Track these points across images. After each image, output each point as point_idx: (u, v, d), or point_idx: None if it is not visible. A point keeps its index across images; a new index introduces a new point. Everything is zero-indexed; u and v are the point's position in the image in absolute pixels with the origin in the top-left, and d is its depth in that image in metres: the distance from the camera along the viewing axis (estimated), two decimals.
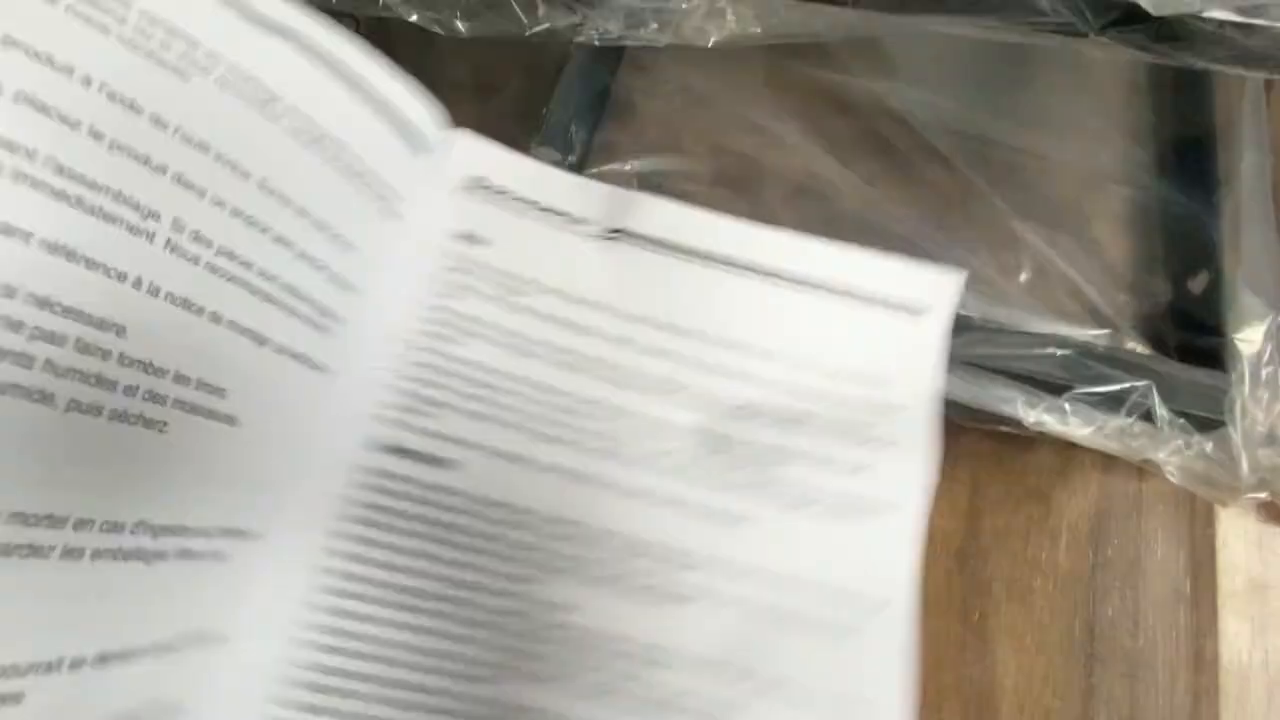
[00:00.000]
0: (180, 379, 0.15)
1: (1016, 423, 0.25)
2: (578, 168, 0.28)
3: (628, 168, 0.29)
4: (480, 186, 0.24)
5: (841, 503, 0.22)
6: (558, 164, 0.28)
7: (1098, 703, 0.24)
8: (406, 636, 0.19)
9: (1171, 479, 0.24)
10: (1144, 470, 0.26)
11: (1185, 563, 0.26)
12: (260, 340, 0.17)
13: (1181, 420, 0.23)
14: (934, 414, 0.23)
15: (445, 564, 0.20)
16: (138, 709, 0.15)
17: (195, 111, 0.15)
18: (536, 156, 0.27)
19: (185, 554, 0.16)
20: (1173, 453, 0.23)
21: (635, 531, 0.21)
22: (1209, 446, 0.22)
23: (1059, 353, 0.24)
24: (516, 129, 0.28)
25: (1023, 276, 0.28)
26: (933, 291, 0.23)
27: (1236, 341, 0.23)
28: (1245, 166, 0.27)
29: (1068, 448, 0.27)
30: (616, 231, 0.24)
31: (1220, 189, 0.27)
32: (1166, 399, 0.23)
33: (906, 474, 0.22)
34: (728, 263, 0.24)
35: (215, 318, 0.16)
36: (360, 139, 0.20)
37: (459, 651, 0.19)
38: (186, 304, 0.15)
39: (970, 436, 0.27)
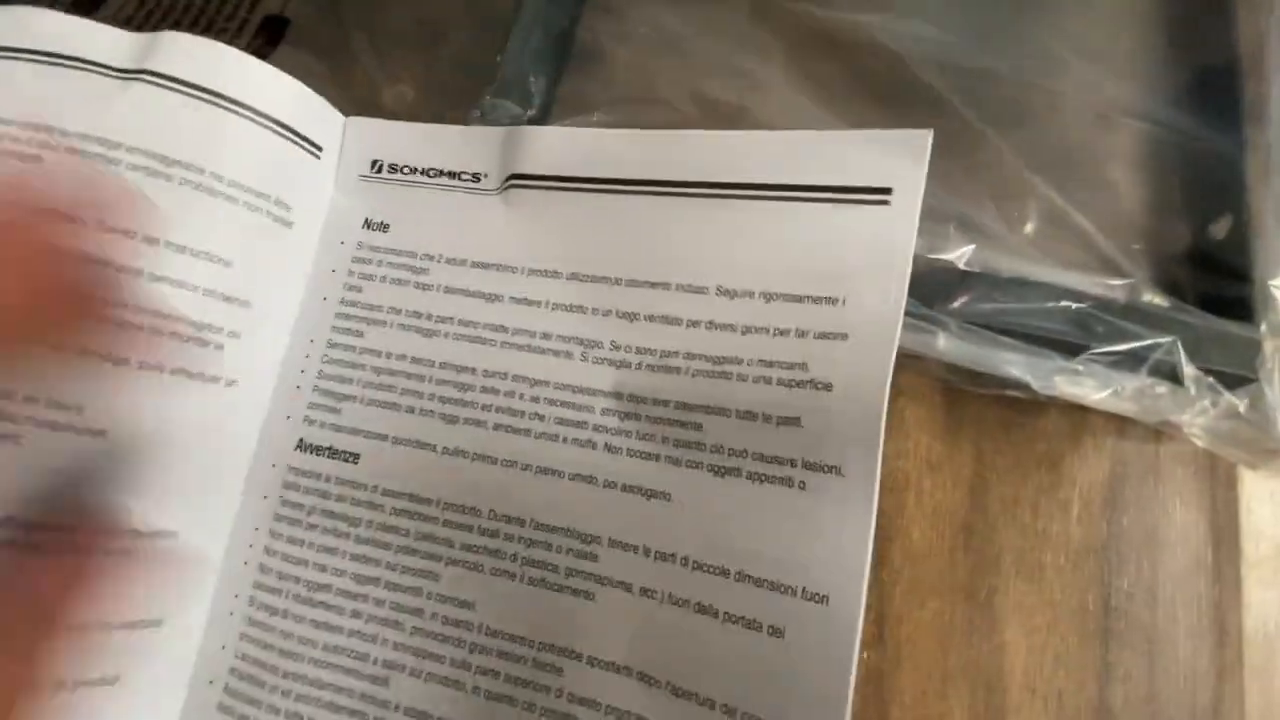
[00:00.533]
0: (29, 399, 0.17)
1: (1024, 387, 0.23)
2: (539, 122, 0.25)
3: (595, 119, 0.26)
4: (378, 170, 0.23)
5: (772, 470, 0.17)
6: (516, 119, 0.25)
7: (1114, 682, 0.22)
8: (318, 634, 0.19)
9: (1196, 442, 0.22)
10: (1161, 432, 0.24)
11: (1206, 530, 0.24)
12: (117, 361, 0.18)
13: (1209, 378, 0.21)
14: (891, 340, 0.17)
15: (350, 559, 0.20)
16: (71, 678, 0.17)
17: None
18: (489, 112, 0.24)
19: (73, 548, 0.17)
20: (1199, 414, 0.21)
21: (540, 517, 0.19)
22: (1241, 405, 0.20)
23: (1071, 307, 0.21)
24: (468, 81, 0.26)
25: (1029, 227, 0.25)
26: (892, 165, 0.18)
27: (1271, 288, 0.21)
28: (1275, 97, 0.24)
29: (1079, 410, 0.25)
30: (513, 178, 0.21)
31: (1247, 123, 0.24)
32: (1193, 355, 0.20)
33: (853, 427, 0.17)
34: (640, 185, 0.20)
35: (57, 346, 0.18)
36: (226, 158, 0.20)
37: (363, 650, 0.19)
38: None
39: (974, 403, 0.25)
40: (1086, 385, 0.22)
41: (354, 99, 0.26)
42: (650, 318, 0.19)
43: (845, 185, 0.18)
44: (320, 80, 0.26)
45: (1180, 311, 0.22)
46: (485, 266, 0.21)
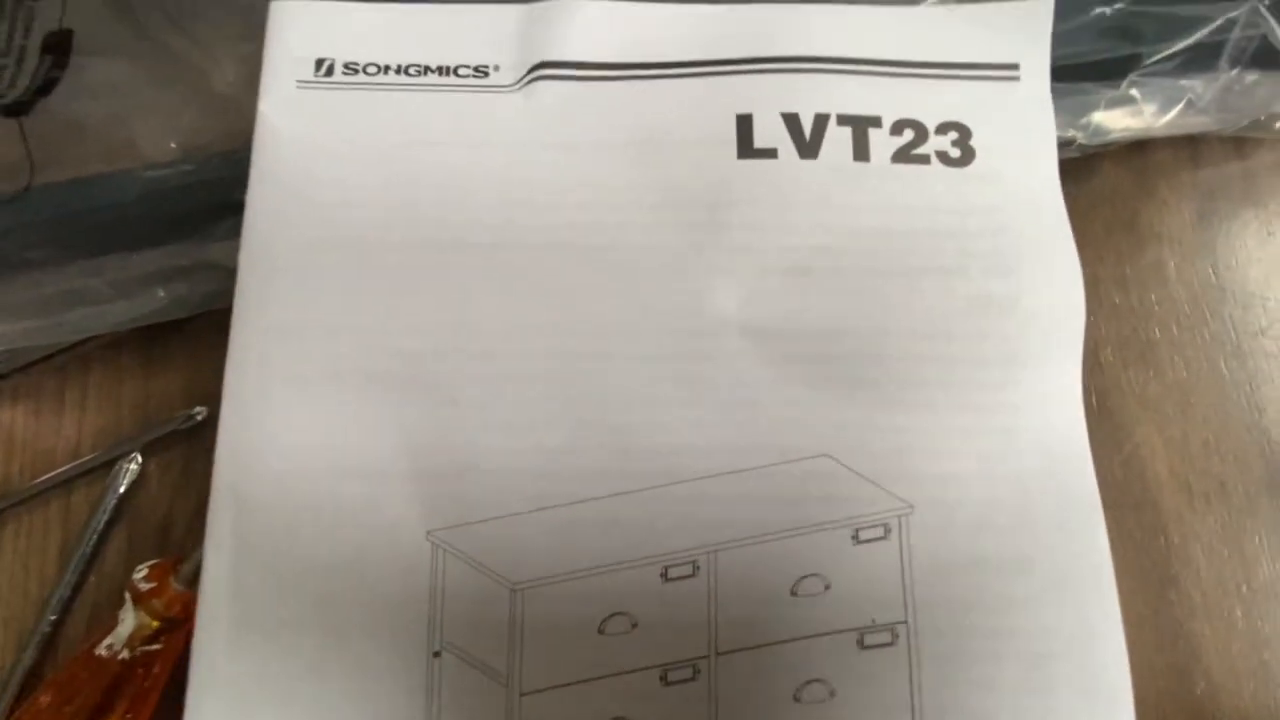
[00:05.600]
0: None
1: (1066, 143, 0.18)
2: None
3: None
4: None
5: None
6: None
7: (1277, 445, 0.18)
8: None
9: None
10: (1242, 141, 0.20)
11: None
12: None
13: None
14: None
15: None
16: None
17: None
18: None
19: None
20: None
21: None
22: None
23: (1106, 13, 0.17)
24: None
25: None
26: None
27: None
28: None
29: (1135, 152, 0.20)
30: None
31: None
32: None
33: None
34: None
35: None
36: None
37: None
38: None
39: None
40: (1148, 111, 0.17)
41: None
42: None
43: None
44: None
45: None
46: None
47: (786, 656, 0.14)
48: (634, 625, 0.14)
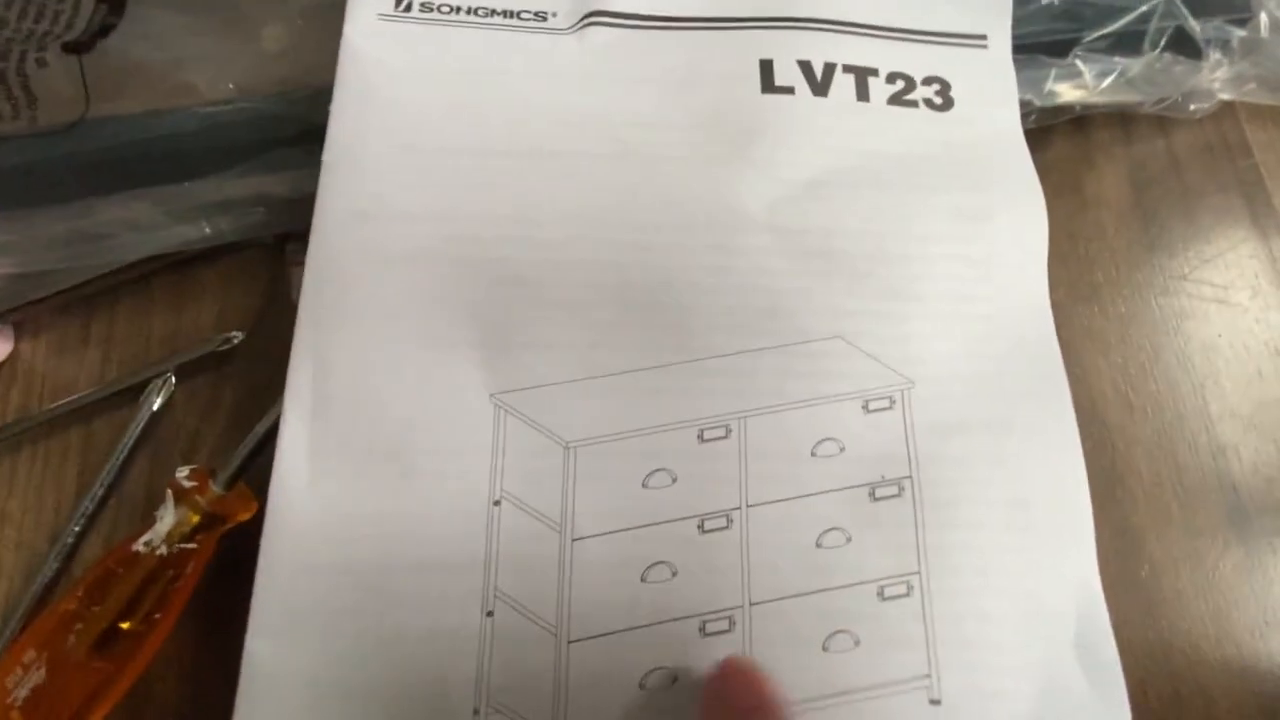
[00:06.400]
0: None
1: (1025, 106, 0.21)
2: None
3: None
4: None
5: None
6: None
7: (1206, 369, 0.21)
8: None
9: (1221, 97, 0.21)
10: (1165, 120, 0.24)
11: (1238, 198, 0.23)
12: None
13: (1214, 21, 0.19)
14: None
15: None
16: None
17: None
18: None
19: None
20: (1215, 66, 0.20)
21: None
22: (1264, 29, 0.19)
23: (1054, 2, 0.20)
24: None
25: None
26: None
27: None
28: None
29: (1079, 130, 0.24)
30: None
31: None
32: (1197, 9, 0.19)
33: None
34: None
35: None
36: None
37: None
38: None
39: None
40: (1089, 81, 0.21)
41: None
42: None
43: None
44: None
45: None
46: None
47: (809, 508, 0.15)
48: (674, 480, 0.15)
